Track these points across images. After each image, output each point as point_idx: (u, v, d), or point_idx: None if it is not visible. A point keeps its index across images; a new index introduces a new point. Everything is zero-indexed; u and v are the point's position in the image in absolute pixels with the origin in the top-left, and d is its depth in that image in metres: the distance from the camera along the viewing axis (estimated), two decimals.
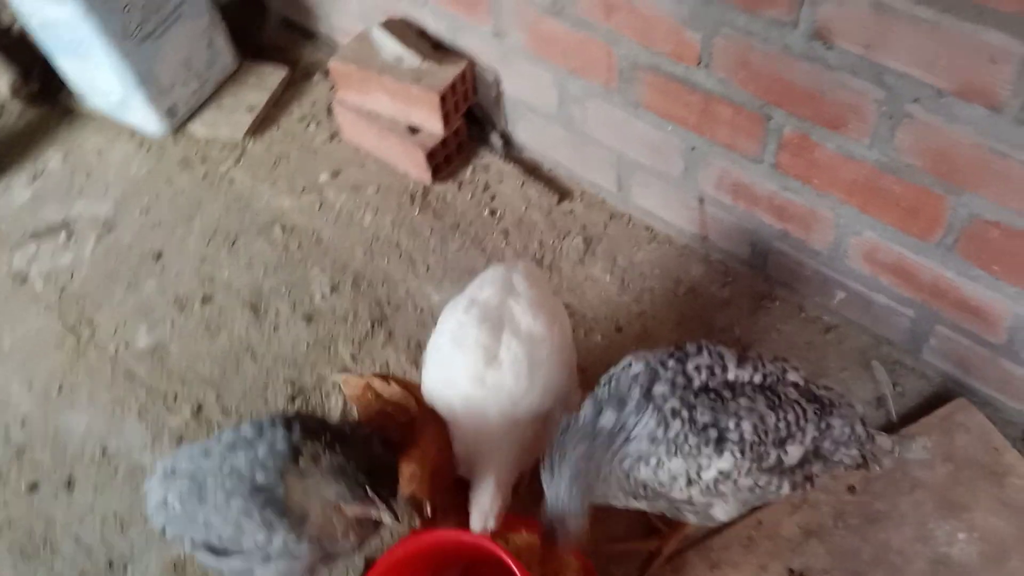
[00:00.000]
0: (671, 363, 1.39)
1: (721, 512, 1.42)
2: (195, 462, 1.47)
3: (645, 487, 1.37)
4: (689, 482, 1.34)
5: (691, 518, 1.45)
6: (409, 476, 1.54)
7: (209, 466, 1.43)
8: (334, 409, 1.96)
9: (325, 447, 1.38)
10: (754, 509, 1.66)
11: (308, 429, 1.42)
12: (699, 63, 1.72)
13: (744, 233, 1.98)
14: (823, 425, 1.43)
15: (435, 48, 2.26)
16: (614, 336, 2.00)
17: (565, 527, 1.37)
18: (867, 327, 1.90)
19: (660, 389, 1.36)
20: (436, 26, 2.24)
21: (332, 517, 1.38)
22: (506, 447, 1.57)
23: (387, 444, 1.53)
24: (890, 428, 1.78)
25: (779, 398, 1.39)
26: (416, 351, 2.02)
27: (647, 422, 1.34)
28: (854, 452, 1.46)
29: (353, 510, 1.37)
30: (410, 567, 1.50)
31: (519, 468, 1.62)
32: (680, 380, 1.37)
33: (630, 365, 1.42)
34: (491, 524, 1.52)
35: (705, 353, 1.42)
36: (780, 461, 1.40)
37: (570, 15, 1.87)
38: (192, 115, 2.56)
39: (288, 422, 1.43)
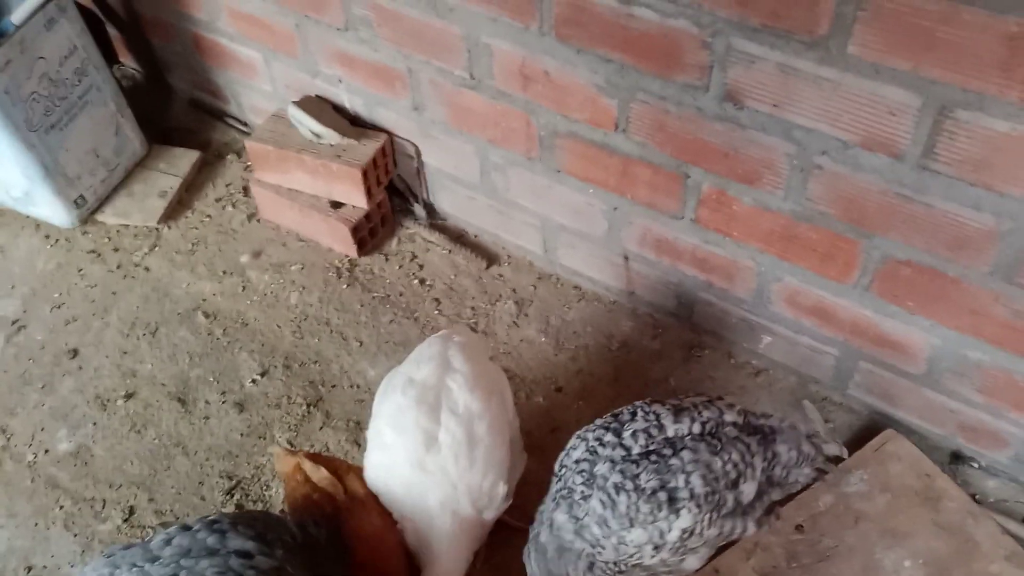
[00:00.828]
0: (608, 437, 1.42)
1: (694, 562, 1.44)
2: (141, 569, 1.39)
3: (616, 564, 1.38)
4: (656, 548, 1.36)
5: None
6: None
7: (160, 572, 1.35)
8: (275, 498, 1.90)
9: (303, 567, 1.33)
10: (711, 558, 1.69)
11: (286, 545, 1.37)
12: (617, 128, 1.78)
13: (669, 286, 2.04)
14: (769, 454, 1.47)
15: (352, 123, 2.27)
16: (555, 396, 2.01)
17: None
18: (794, 368, 1.98)
19: (601, 469, 1.38)
20: (352, 102, 2.26)
21: None
22: (451, 536, 1.56)
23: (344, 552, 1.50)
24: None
25: (720, 441, 1.43)
26: (355, 430, 1.98)
27: (593, 507, 1.36)
28: (807, 471, 1.51)
29: None
30: None
31: (467, 555, 1.60)
32: (618, 453, 1.39)
33: (573, 449, 1.46)
34: None
35: (640, 417, 1.45)
36: (738, 502, 1.43)
37: (488, 87, 1.91)
38: (102, 204, 2.48)
39: (261, 534, 1.37)
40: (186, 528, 1.41)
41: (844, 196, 1.58)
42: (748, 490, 1.42)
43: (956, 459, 1.84)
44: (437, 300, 2.21)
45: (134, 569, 1.38)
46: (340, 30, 2.08)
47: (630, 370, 2.05)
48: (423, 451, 1.55)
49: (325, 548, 1.48)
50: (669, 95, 1.65)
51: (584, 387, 2.02)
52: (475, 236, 2.33)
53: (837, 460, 1.65)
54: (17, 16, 2.12)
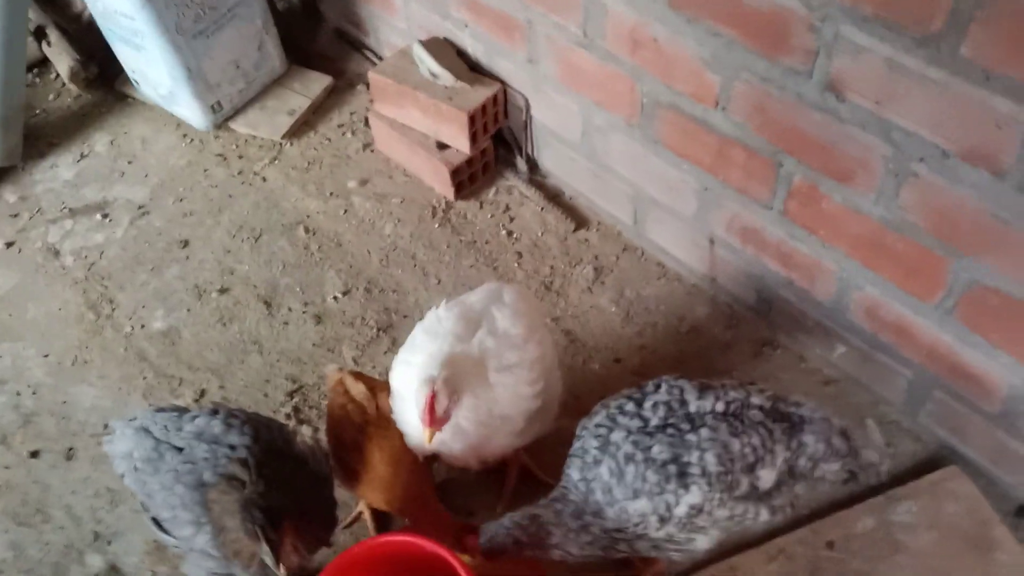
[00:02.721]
0: (628, 406, 1.42)
1: (704, 543, 1.42)
2: (166, 433, 1.50)
3: (620, 531, 1.38)
4: (662, 520, 1.35)
5: (675, 556, 1.45)
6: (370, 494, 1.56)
7: (174, 441, 1.47)
8: None
9: (256, 473, 1.38)
10: (729, 555, 1.66)
11: (270, 449, 1.44)
12: (717, 105, 1.74)
13: (751, 278, 1.98)
14: (794, 443, 1.41)
15: (471, 69, 2.31)
16: (612, 367, 2.00)
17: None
18: (866, 384, 1.88)
19: (616, 436, 1.38)
20: (474, 48, 2.29)
21: (243, 541, 1.38)
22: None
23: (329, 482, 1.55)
24: (879, 488, 1.75)
25: (742, 423, 1.39)
26: None
27: (601, 473, 1.36)
28: (835, 467, 1.44)
29: (246, 543, 1.38)
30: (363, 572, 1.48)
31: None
32: (635, 423, 1.38)
33: (595, 414, 1.46)
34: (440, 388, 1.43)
35: (664, 390, 1.43)
36: (754, 487, 1.39)
37: (599, 48, 1.90)
38: (236, 113, 2.65)
39: (256, 433, 1.45)
40: (214, 412, 1.50)
41: (937, 209, 1.48)
42: (766, 476, 1.38)
43: (1022, 512, 1.70)
44: (519, 254, 2.24)
45: (164, 430, 1.51)
46: None
47: (695, 356, 2.01)
48: (448, 349, 1.51)
49: (319, 477, 1.53)
50: (772, 77, 1.59)
51: (644, 363, 2.00)
52: (570, 198, 2.33)
53: (874, 470, 1.53)
54: None
